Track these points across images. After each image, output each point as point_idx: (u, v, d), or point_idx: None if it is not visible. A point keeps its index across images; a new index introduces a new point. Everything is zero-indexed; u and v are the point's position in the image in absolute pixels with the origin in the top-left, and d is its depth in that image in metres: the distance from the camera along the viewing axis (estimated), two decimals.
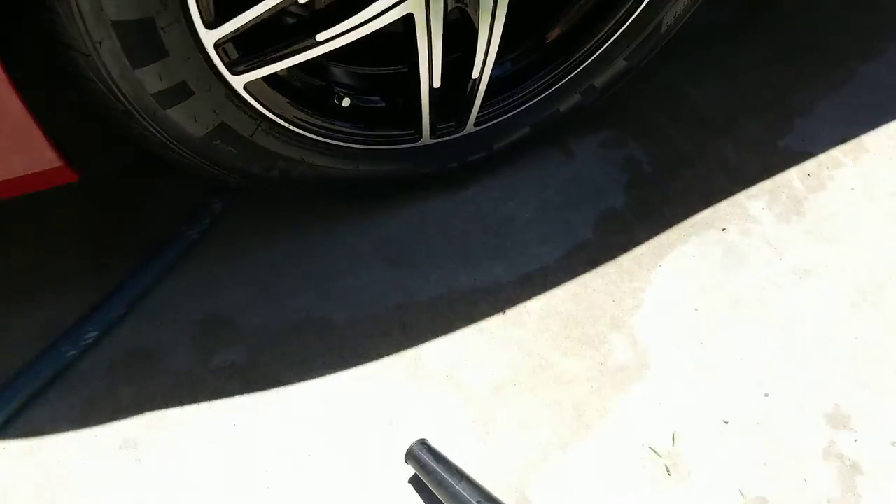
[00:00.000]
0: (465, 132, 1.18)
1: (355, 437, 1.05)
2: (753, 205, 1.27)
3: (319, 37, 0.93)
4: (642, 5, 1.13)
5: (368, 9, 0.93)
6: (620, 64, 1.21)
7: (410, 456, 0.99)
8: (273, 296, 1.17)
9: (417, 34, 0.99)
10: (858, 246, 1.22)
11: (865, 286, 1.17)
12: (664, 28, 1.19)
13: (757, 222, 1.24)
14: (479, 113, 1.15)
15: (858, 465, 1.01)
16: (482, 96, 1.13)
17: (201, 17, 0.83)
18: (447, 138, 1.17)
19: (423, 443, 1.00)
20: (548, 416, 1.06)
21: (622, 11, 1.14)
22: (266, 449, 1.04)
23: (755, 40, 1.50)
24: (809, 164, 1.32)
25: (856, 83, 1.42)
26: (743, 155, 1.33)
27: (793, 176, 1.30)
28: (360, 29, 0.95)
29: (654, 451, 1.03)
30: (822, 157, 1.33)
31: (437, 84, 1.07)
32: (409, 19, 0.97)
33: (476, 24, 1.03)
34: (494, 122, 1.19)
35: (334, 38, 0.94)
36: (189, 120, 0.94)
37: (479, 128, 1.18)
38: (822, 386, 1.08)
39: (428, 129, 1.13)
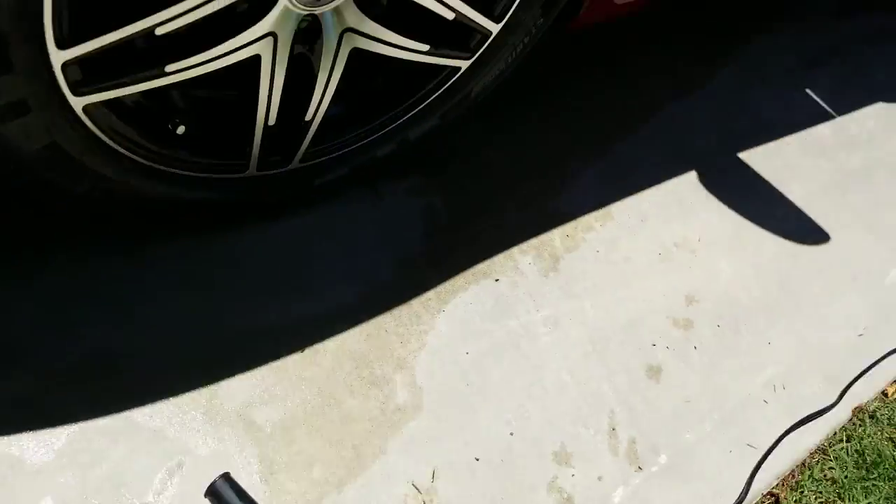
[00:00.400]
0: (290, 167, 1.20)
1: (143, 477, 1.04)
2: (522, 259, 1.44)
3: (168, 68, 0.92)
4: (456, 76, 1.23)
5: (220, 46, 0.93)
6: (434, 121, 1.31)
7: (211, 493, 0.97)
8: (65, 324, 1.11)
9: (262, 74, 1.00)
10: (595, 303, 1.44)
11: (595, 338, 1.40)
12: (473, 94, 1.31)
13: (523, 275, 1.42)
14: (305, 151, 1.17)
15: (572, 498, 1.23)
16: (312, 136, 1.15)
17: (54, 36, 0.79)
18: (272, 172, 1.18)
19: (226, 478, 0.99)
20: (330, 455, 1.14)
21: (439, 77, 1.23)
22: (47, 489, 1.00)
23: (545, 107, 1.67)
24: (569, 226, 1.52)
25: (614, 155, 1.65)
26: (520, 212, 1.49)
27: (555, 235, 1.50)
28: (208, 64, 0.94)
29: (416, 488, 1.16)
30: (580, 219, 1.53)
31: (272, 122, 1.08)
32: (254, 59, 0.98)
33: (316, 71, 1.06)
34: (318, 160, 1.22)
35: (182, 70, 0.93)
36: (21, 136, 0.87)
37: (303, 164, 1.21)
38: (554, 427, 1.26)
39: (256, 162, 1.13)
